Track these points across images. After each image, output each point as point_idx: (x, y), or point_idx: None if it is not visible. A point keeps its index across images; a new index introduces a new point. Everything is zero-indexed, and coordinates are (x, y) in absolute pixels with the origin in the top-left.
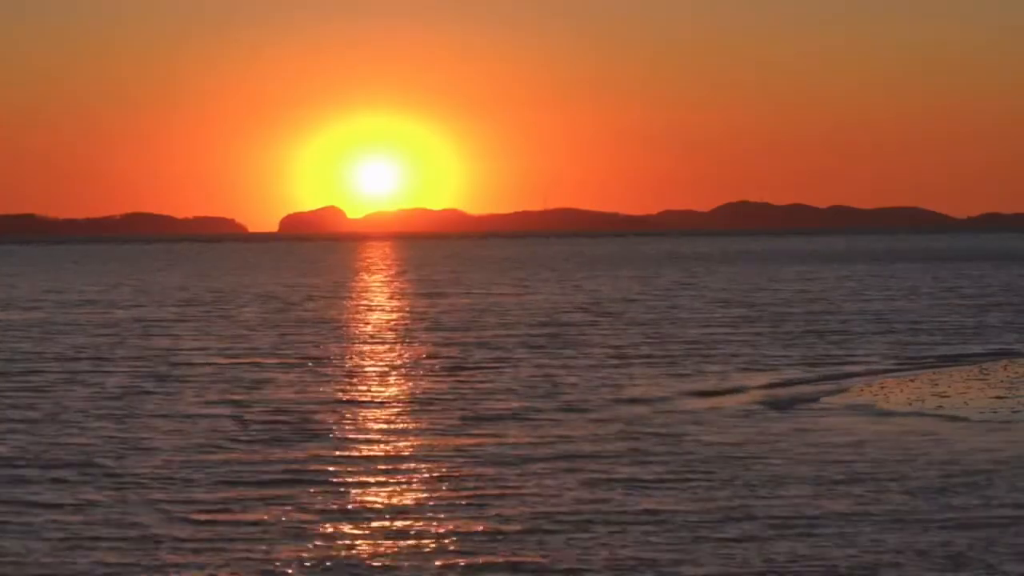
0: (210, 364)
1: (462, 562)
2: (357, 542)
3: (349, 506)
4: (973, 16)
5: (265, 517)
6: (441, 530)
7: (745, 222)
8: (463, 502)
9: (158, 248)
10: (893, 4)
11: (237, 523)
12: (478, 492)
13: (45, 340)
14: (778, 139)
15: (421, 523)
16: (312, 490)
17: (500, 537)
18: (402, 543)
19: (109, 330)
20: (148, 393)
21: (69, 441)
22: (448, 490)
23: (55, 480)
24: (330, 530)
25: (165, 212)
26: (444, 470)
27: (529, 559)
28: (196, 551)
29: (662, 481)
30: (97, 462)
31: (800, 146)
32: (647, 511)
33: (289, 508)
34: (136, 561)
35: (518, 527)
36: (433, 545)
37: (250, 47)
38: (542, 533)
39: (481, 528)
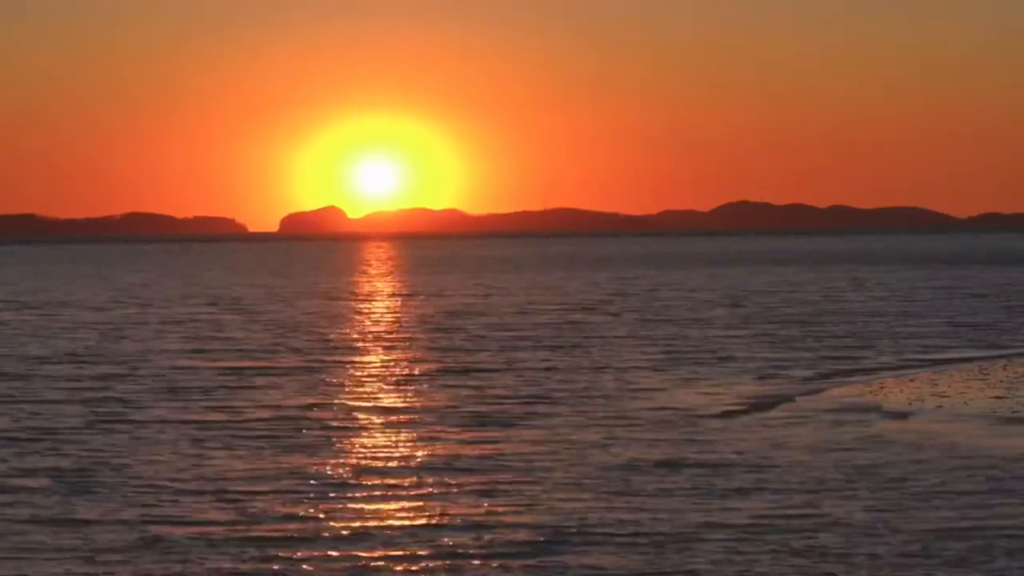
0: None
1: None
2: (357, 559)
3: (350, 519)
4: (973, 16)
5: (257, 530)
6: (454, 543)
7: (745, 222)
8: (474, 514)
9: (157, 248)
10: (893, 4)
11: (228, 535)
12: (491, 502)
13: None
14: (778, 139)
15: (433, 536)
16: (322, 500)
17: (514, 551)
18: (410, 557)
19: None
20: (116, 399)
21: (46, 449)
22: (459, 502)
23: (32, 490)
24: (331, 545)
25: (165, 212)
26: (450, 479)
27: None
28: (180, 564)
29: (659, 490)
30: (72, 471)
31: (800, 146)
32: (650, 521)
33: (286, 519)
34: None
35: (535, 540)
36: (447, 559)
37: (250, 47)
38: (559, 547)
39: (495, 541)
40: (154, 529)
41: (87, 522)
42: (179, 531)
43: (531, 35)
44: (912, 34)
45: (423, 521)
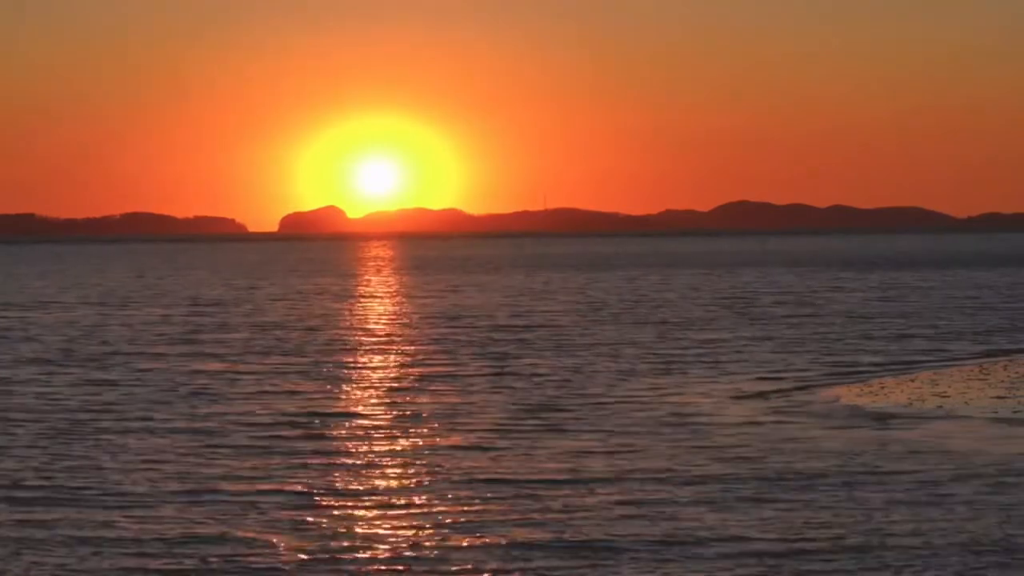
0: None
1: None
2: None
3: (341, 532)
4: (973, 16)
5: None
6: (463, 559)
7: (745, 222)
8: (481, 526)
9: (154, 248)
10: (893, 4)
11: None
12: (498, 516)
13: None
14: (778, 139)
15: (438, 549)
16: (317, 515)
17: (523, 566)
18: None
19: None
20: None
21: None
22: (468, 514)
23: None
24: (321, 557)
25: (165, 212)
26: (456, 491)
27: None
28: None
29: (664, 500)
30: (53, 483)
31: (800, 146)
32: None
33: (284, 533)
34: None
35: (541, 553)
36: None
37: (250, 48)
38: (566, 559)
39: (502, 554)
40: (131, 542)
41: (60, 535)
42: (156, 543)
43: (531, 35)
44: (912, 34)
45: (426, 533)
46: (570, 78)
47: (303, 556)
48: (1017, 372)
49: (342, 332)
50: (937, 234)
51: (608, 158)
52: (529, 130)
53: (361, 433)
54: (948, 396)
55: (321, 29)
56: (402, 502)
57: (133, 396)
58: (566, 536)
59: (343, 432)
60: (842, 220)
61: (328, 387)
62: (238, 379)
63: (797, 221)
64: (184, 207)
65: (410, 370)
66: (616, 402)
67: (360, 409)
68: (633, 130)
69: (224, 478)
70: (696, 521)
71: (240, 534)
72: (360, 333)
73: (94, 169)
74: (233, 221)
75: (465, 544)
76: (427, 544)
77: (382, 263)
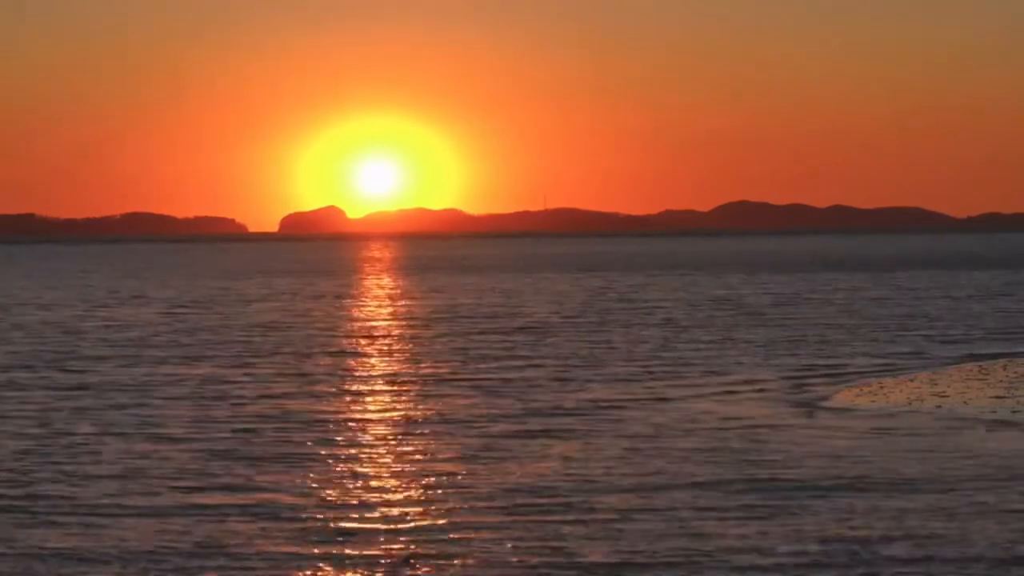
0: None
1: None
2: None
3: (338, 545)
4: (973, 16)
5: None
6: (460, 568)
7: (745, 222)
8: (489, 542)
9: (155, 248)
10: (893, 4)
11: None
12: (506, 528)
13: None
14: (778, 139)
15: (434, 564)
16: (308, 528)
17: None
18: None
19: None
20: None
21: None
22: (466, 521)
23: None
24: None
25: (165, 212)
26: (457, 503)
27: None
28: None
29: (670, 508)
30: (26, 492)
31: (800, 146)
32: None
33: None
34: None
35: (549, 566)
36: None
37: (250, 48)
38: None
39: (504, 566)
40: (108, 554)
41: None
42: (135, 555)
43: (531, 35)
44: (912, 34)
45: (421, 543)
46: (570, 78)
47: (293, 562)
48: (1016, 372)
49: (334, 334)
50: (937, 234)
51: (608, 158)
52: (529, 130)
53: (354, 437)
54: (947, 396)
55: (321, 29)
56: (396, 510)
57: (116, 399)
58: (567, 546)
59: (336, 436)
60: (842, 220)
61: (320, 390)
62: (224, 381)
63: (797, 221)
64: (184, 207)
65: (406, 372)
66: (614, 405)
67: (354, 413)
68: (633, 130)
69: (210, 484)
70: (696, 527)
71: (225, 543)
72: (353, 334)
73: (94, 169)
74: (233, 221)
75: (463, 552)
76: (422, 554)
77: (379, 264)
